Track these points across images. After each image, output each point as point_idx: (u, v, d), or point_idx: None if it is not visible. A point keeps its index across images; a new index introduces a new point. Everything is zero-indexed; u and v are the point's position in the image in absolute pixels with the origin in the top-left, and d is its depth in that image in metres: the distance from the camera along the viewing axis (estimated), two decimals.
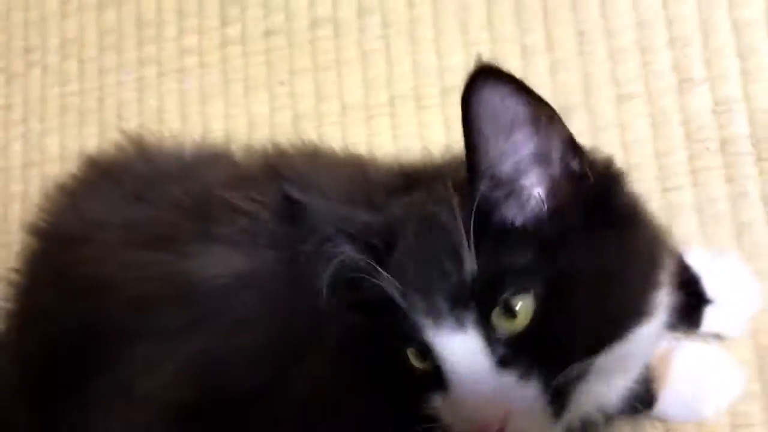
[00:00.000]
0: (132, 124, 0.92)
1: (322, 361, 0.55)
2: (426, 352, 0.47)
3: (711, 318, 0.67)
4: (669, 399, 0.66)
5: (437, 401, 0.48)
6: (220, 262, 0.58)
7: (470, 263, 0.45)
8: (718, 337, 0.69)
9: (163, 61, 0.94)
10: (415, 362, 0.49)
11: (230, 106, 0.91)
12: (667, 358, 0.66)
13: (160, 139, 0.74)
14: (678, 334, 0.66)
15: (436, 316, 0.46)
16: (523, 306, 0.46)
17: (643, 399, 0.62)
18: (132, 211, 0.64)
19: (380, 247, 0.50)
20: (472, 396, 0.45)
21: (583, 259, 0.47)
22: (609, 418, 0.58)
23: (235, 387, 0.57)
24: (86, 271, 0.61)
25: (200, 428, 0.58)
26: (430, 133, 0.83)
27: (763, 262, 0.71)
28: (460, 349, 0.46)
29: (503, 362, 0.46)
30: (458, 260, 0.46)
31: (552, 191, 0.48)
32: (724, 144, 0.73)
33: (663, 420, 0.69)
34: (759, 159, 0.73)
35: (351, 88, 0.86)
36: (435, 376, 0.48)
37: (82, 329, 0.60)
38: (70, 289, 0.61)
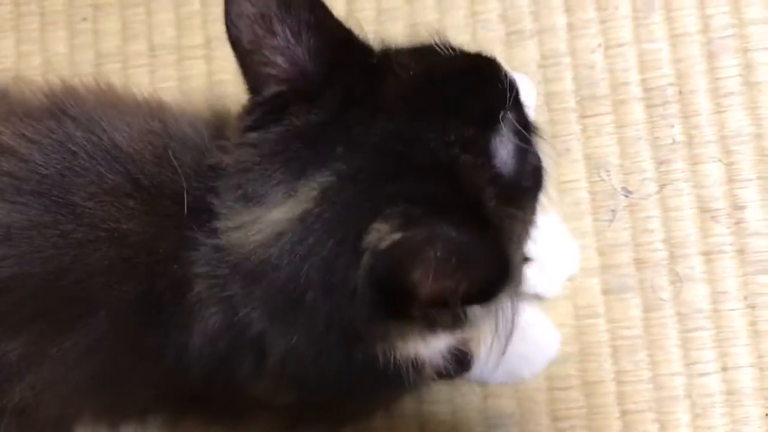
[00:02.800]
0: None
1: (89, 334, 0.50)
2: None
3: (529, 277, 0.65)
4: (486, 362, 0.64)
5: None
6: None
7: None
8: (536, 297, 0.68)
9: None
10: None
11: (23, 42, 0.81)
12: None
13: None
14: None
15: None
16: None
17: (459, 361, 0.59)
18: None
19: None
20: None
21: None
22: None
23: None
24: None
25: None
26: None
27: (582, 222, 0.70)
28: None
29: None
30: None
31: None
32: (549, 99, 0.72)
33: (481, 383, 0.68)
34: (582, 116, 0.72)
35: (162, 27, 0.79)
36: None
37: None
38: None
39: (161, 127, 0.54)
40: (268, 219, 0.46)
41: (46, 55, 0.80)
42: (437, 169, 0.44)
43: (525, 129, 0.48)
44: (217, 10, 0.77)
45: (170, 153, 0.51)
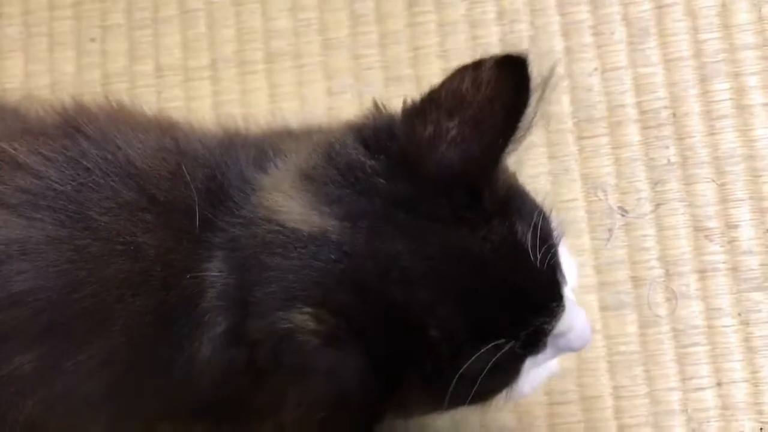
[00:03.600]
0: None
1: (103, 347, 0.50)
2: None
3: None
4: None
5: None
6: None
7: None
8: None
9: None
10: None
11: (31, 62, 0.83)
12: None
13: None
14: None
15: None
16: None
17: None
18: None
19: None
20: None
21: None
22: None
23: (5, 367, 0.50)
24: None
25: None
26: (254, 99, 0.78)
27: (580, 240, 0.72)
28: None
29: None
30: None
31: None
32: (547, 120, 0.74)
33: None
34: (579, 137, 0.74)
35: (169, 49, 0.81)
36: None
37: None
38: None
39: (173, 143, 0.55)
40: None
41: (54, 75, 0.82)
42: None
43: None
44: (223, 32, 0.80)
45: (184, 169, 0.52)
